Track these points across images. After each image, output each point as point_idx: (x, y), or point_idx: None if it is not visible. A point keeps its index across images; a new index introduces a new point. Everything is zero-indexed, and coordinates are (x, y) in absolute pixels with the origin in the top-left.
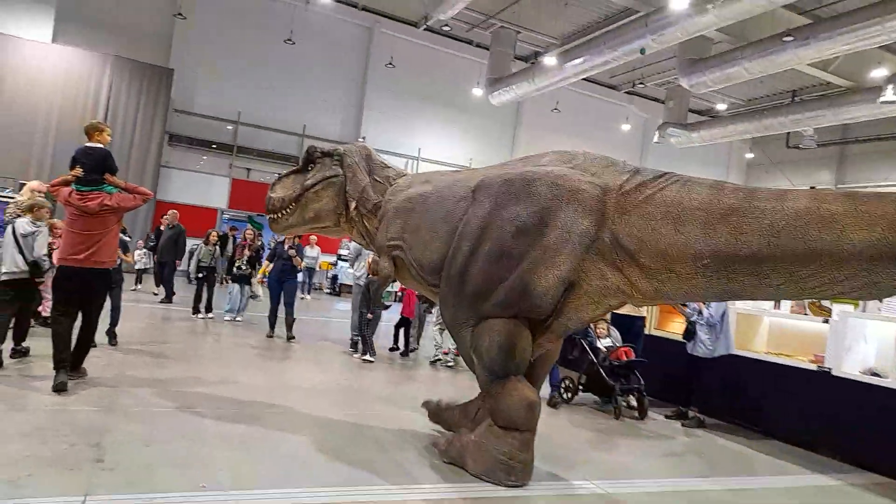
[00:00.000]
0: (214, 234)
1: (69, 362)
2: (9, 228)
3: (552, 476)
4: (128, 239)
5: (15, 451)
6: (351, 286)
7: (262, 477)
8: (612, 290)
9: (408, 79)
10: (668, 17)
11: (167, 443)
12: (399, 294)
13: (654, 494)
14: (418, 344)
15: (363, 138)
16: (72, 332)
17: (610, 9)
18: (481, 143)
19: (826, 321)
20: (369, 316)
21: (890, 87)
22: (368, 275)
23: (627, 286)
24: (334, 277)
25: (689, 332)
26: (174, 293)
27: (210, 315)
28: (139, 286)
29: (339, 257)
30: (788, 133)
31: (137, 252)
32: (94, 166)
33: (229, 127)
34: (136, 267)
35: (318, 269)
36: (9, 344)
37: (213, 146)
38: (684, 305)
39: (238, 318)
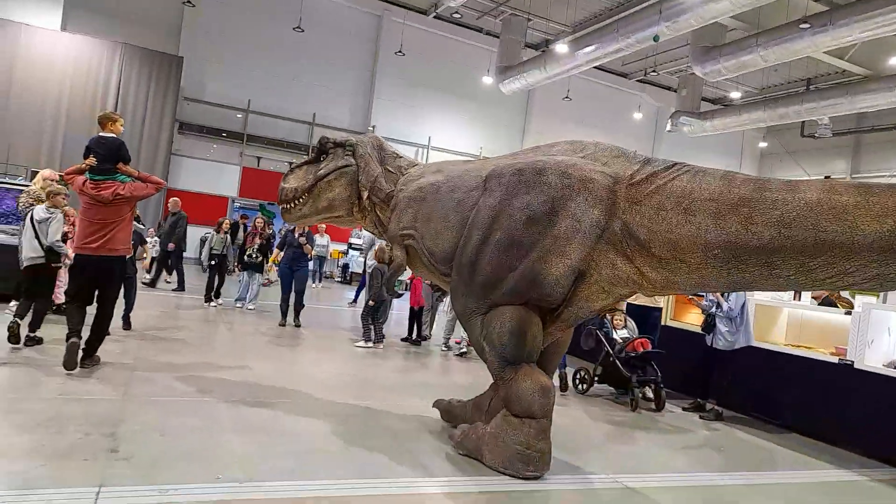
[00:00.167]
0: (227, 222)
1: (80, 335)
2: (27, 216)
3: (571, 469)
4: (143, 228)
5: (29, 441)
6: (361, 275)
7: (277, 468)
8: (622, 280)
9: (417, 67)
10: (682, 4)
11: (182, 433)
12: (407, 283)
13: (675, 489)
14: (430, 332)
15: (373, 127)
16: (84, 312)
17: None
18: (491, 132)
19: (848, 313)
20: (371, 303)
21: None
22: (375, 263)
23: (637, 275)
24: (345, 266)
25: (709, 325)
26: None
27: (219, 302)
28: (151, 275)
29: (350, 246)
30: (803, 122)
31: (149, 240)
32: (108, 156)
33: (239, 115)
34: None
35: (328, 257)
36: (23, 331)
37: (224, 134)
38: (699, 297)
39: (250, 307)
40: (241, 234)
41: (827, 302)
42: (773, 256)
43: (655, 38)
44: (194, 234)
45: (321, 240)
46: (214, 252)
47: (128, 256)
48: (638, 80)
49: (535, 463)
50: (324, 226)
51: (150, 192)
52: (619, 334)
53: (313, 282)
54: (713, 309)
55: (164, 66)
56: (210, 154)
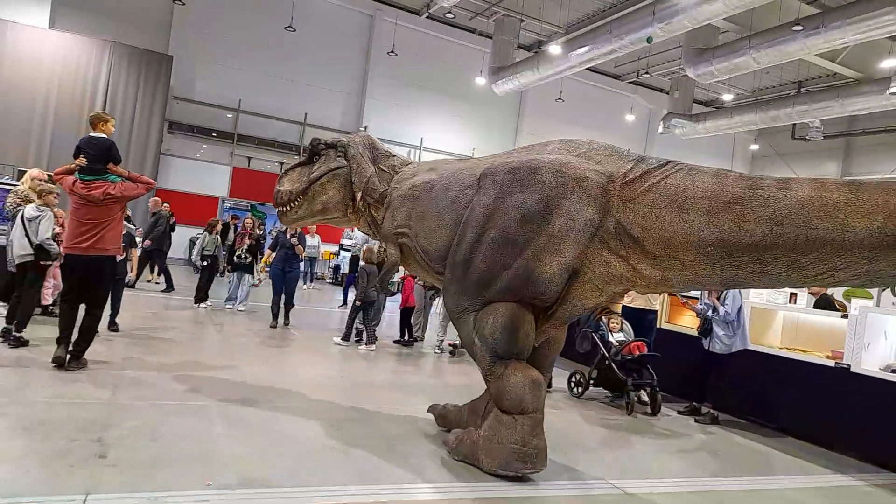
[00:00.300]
0: (220, 222)
1: (70, 339)
2: (18, 215)
3: (569, 474)
4: (133, 227)
5: (14, 447)
6: (347, 274)
7: (270, 474)
8: (616, 278)
9: (410, 67)
10: (675, 5)
11: (172, 437)
12: (399, 283)
13: (674, 495)
14: (423, 334)
15: (365, 127)
16: (76, 312)
17: None
18: (484, 133)
19: (844, 316)
20: (357, 303)
21: None
22: (362, 262)
23: (631, 273)
24: (336, 267)
25: (706, 329)
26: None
27: (209, 303)
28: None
29: (342, 247)
30: (794, 124)
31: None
32: (98, 156)
33: (229, 115)
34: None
35: (319, 258)
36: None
37: (214, 134)
38: (693, 300)
39: (240, 308)
40: (231, 234)
41: (823, 302)
42: (766, 253)
43: (649, 40)
44: (184, 234)
45: (312, 240)
46: (206, 253)
47: (119, 258)
48: (630, 82)
49: (532, 460)
50: (314, 226)
51: (140, 193)
52: (615, 337)
53: (304, 283)
54: (709, 313)
55: (154, 65)
56: (200, 154)
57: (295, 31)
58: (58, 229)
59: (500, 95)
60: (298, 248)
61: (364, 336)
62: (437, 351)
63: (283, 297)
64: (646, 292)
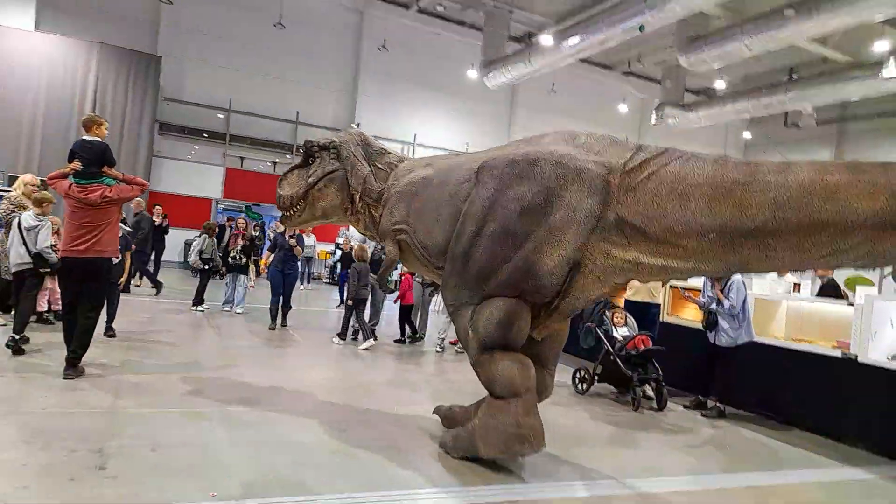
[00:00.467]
0: (217, 225)
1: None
2: (15, 222)
3: (581, 474)
4: (129, 230)
5: (11, 459)
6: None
7: (275, 483)
8: (618, 269)
9: (401, 62)
10: None
11: (174, 447)
12: (397, 280)
13: (687, 494)
14: (424, 332)
15: (357, 124)
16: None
17: None
18: (477, 127)
19: (850, 304)
20: (349, 302)
21: (892, 60)
22: (355, 260)
23: (633, 263)
24: (333, 266)
25: (710, 322)
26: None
27: (205, 306)
28: (141, 282)
29: (338, 246)
30: (786, 112)
31: None
32: (93, 159)
33: (221, 115)
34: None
35: (315, 257)
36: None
37: (205, 135)
38: (693, 291)
39: (238, 310)
40: (227, 236)
41: (830, 285)
42: (768, 238)
43: (641, 28)
44: (178, 237)
45: (307, 240)
46: (205, 256)
47: (115, 260)
48: (622, 72)
49: (529, 440)
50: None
51: (135, 194)
52: (620, 332)
53: (301, 284)
54: (713, 305)
55: (143, 66)
56: (192, 155)
57: (284, 28)
58: (53, 238)
59: (493, 89)
60: (297, 249)
61: (360, 335)
62: (438, 349)
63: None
64: (647, 281)
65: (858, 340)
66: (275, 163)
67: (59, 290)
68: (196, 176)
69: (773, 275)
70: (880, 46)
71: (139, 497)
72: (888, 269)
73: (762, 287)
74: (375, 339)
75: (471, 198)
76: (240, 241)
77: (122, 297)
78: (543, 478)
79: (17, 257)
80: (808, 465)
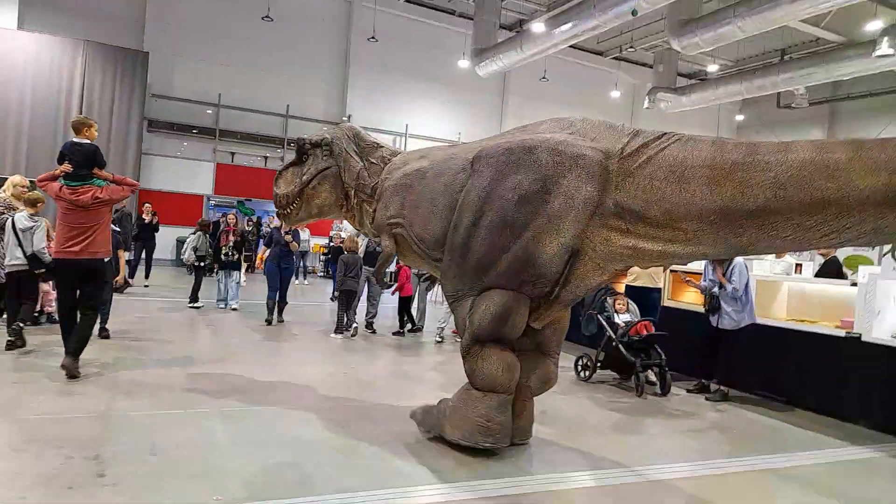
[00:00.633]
0: (210, 222)
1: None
2: (8, 223)
3: (589, 463)
4: (118, 229)
5: (5, 468)
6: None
7: (279, 484)
8: (618, 255)
9: (392, 53)
10: None
11: (174, 450)
12: (394, 272)
13: (695, 480)
14: (423, 323)
15: (348, 117)
16: (75, 324)
17: None
18: (469, 117)
19: (853, 284)
20: (336, 293)
21: (885, 39)
22: (344, 251)
23: (633, 249)
24: (327, 261)
25: (714, 307)
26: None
27: (200, 304)
28: (132, 281)
29: (330, 240)
30: (779, 93)
31: None
32: (83, 161)
33: (210, 110)
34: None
35: (309, 251)
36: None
37: (195, 131)
38: (693, 276)
39: (234, 306)
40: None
41: (834, 265)
42: (770, 218)
43: (634, 12)
44: (170, 235)
45: (303, 235)
46: (200, 254)
47: (106, 259)
48: (614, 58)
49: (494, 435)
50: None
51: (125, 195)
52: (622, 318)
53: (296, 278)
54: (715, 289)
55: (130, 63)
56: (181, 152)
57: (272, 20)
58: (48, 243)
59: (484, 78)
60: (293, 244)
61: (347, 324)
62: (437, 339)
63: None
64: (648, 267)
65: (862, 319)
66: (266, 157)
67: (52, 292)
68: (186, 172)
69: (772, 256)
70: (873, 26)
71: (141, 503)
72: (888, 247)
73: (763, 268)
74: (353, 335)
75: (467, 188)
76: (231, 238)
77: (116, 296)
78: (551, 468)
79: (13, 258)
80: (813, 446)
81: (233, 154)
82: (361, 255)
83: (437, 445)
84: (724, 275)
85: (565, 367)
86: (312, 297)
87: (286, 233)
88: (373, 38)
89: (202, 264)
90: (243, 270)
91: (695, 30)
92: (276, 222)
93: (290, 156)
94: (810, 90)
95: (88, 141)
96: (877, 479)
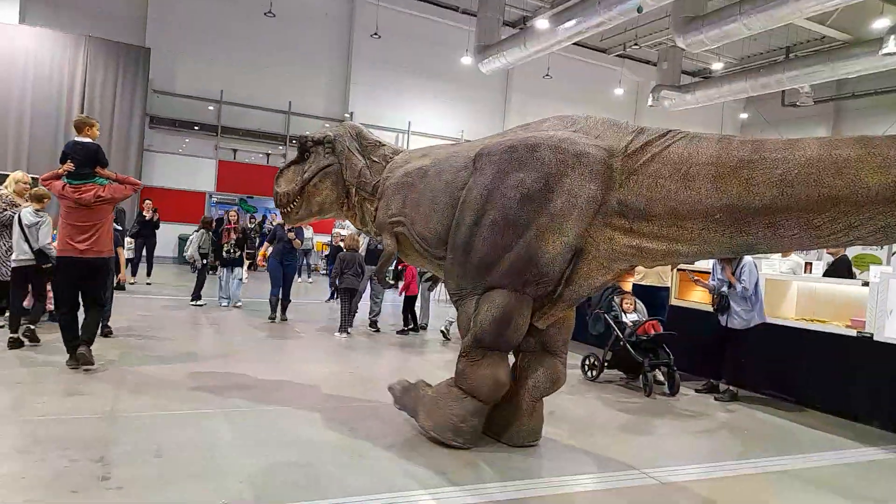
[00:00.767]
0: (213, 220)
1: (77, 348)
2: (15, 218)
3: (599, 465)
4: (120, 229)
5: (8, 471)
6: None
7: (286, 486)
8: (621, 254)
9: (395, 50)
10: None
11: (179, 452)
12: (400, 269)
13: (709, 482)
14: (427, 322)
15: (350, 114)
16: (77, 322)
17: None
18: (472, 114)
19: (865, 284)
20: (332, 289)
21: (892, 38)
22: (344, 249)
23: (637, 248)
24: (328, 259)
25: (723, 307)
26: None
27: (203, 302)
28: (135, 278)
29: (331, 239)
30: (784, 91)
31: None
32: (86, 160)
33: (212, 107)
34: (126, 256)
35: (312, 249)
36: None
37: (196, 127)
38: (701, 274)
39: (238, 304)
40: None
41: (844, 264)
42: (777, 216)
43: (639, 9)
44: (172, 232)
45: (306, 233)
46: (203, 251)
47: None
48: (617, 55)
49: (464, 436)
50: None
51: (128, 194)
52: (630, 318)
53: (299, 276)
54: (724, 288)
55: (132, 59)
56: (183, 148)
57: (275, 16)
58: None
59: (487, 75)
60: (296, 241)
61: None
62: (444, 329)
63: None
64: (652, 266)
65: (874, 319)
66: (268, 154)
67: (50, 290)
68: (188, 169)
69: (778, 254)
70: (880, 23)
71: None
72: None
73: (772, 267)
74: (348, 334)
75: (469, 186)
76: (233, 235)
77: (119, 294)
78: (560, 470)
79: (21, 253)
80: (827, 447)
81: (235, 151)
82: (363, 254)
83: (444, 447)
84: (733, 274)
85: (572, 366)
86: (316, 295)
87: (289, 230)
88: (375, 34)
89: (205, 262)
90: (245, 267)
91: (700, 27)
92: (280, 219)
93: (293, 153)
94: (815, 88)
95: (90, 140)
96: (892, 481)
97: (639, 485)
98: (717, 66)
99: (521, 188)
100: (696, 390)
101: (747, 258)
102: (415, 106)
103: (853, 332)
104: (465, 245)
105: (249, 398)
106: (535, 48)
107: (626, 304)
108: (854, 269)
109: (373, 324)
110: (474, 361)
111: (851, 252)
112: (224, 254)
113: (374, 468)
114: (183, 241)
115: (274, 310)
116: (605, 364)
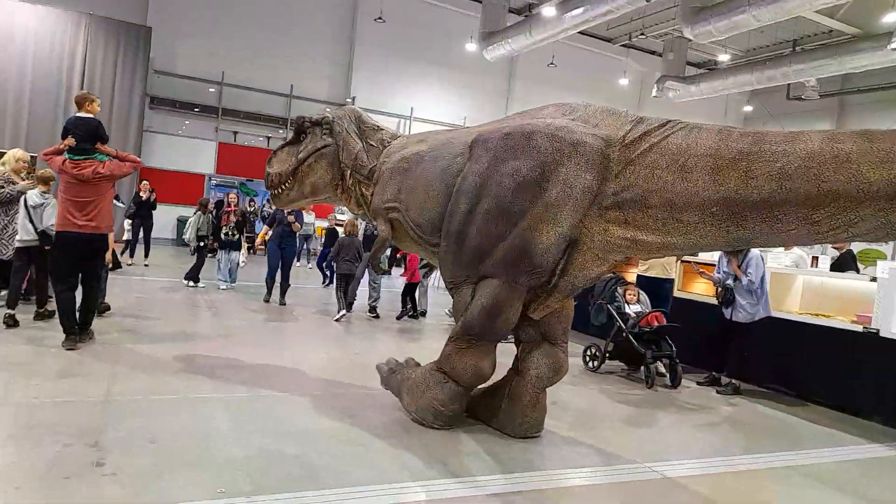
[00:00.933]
0: (210, 201)
1: (76, 328)
2: (21, 199)
3: (602, 458)
4: (121, 205)
5: (1, 456)
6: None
7: (285, 477)
8: (616, 246)
9: (398, 35)
10: None
11: (175, 439)
12: (399, 257)
13: (713, 477)
14: (425, 307)
15: (352, 98)
16: (75, 300)
17: None
18: (475, 101)
19: (873, 280)
20: (326, 281)
21: None
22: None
23: (632, 241)
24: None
25: (727, 299)
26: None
27: (201, 284)
28: (132, 260)
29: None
30: (789, 84)
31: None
32: (86, 136)
33: (213, 89)
34: (123, 238)
35: (313, 234)
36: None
37: (197, 109)
38: (706, 267)
39: (233, 285)
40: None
41: (849, 258)
42: (775, 210)
43: None
44: (171, 213)
45: (307, 217)
46: (201, 234)
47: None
48: (623, 45)
49: (444, 419)
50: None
51: (128, 171)
52: (633, 309)
53: (298, 261)
54: (729, 281)
55: (132, 38)
56: (183, 130)
57: None
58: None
59: (491, 62)
60: (295, 224)
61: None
62: (447, 312)
63: (279, 272)
64: (648, 259)
65: (881, 314)
66: (268, 137)
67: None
68: (188, 151)
69: (781, 248)
70: (889, 18)
71: (141, 497)
72: None
73: (778, 261)
74: (349, 310)
75: (464, 173)
76: (232, 217)
77: (116, 276)
78: (561, 463)
79: (25, 234)
80: (830, 443)
81: (235, 133)
82: (361, 239)
83: (446, 437)
84: (739, 267)
85: (573, 356)
86: (316, 280)
87: (289, 213)
88: (379, 18)
89: (203, 244)
90: (244, 250)
91: (708, 18)
92: None
93: None
94: (820, 82)
95: (91, 115)
96: (894, 478)
97: (641, 479)
98: (723, 57)
99: (515, 176)
100: (698, 383)
101: (754, 251)
102: (418, 92)
103: (858, 328)
104: (459, 233)
105: (247, 383)
106: (541, 36)
107: (630, 294)
108: (858, 265)
109: (372, 310)
110: (461, 348)
111: (856, 248)
112: (223, 236)
113: (375, 459)
114: (182, 223)
115: (269, 291)
116: (607, 355)
